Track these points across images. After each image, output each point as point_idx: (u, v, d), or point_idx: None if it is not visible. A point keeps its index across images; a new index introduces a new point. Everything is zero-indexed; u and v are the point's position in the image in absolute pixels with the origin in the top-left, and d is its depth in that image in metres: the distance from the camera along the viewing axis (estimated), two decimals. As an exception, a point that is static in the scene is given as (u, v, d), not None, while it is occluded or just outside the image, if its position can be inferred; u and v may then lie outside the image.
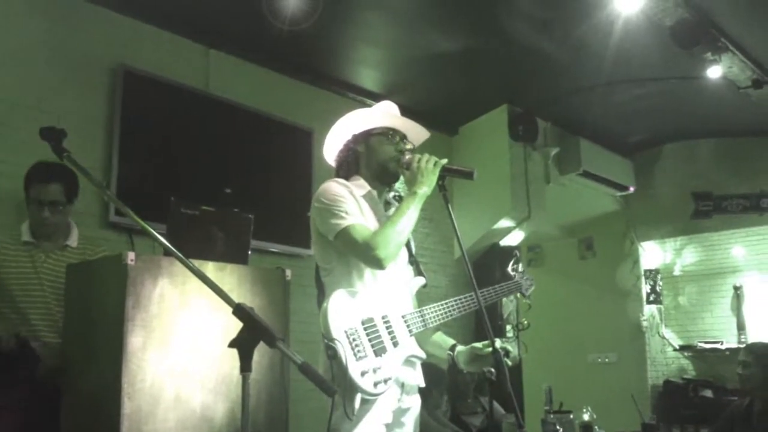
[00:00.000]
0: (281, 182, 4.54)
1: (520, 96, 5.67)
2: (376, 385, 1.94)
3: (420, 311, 2.17)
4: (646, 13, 4.14)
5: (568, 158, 6.18)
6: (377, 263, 2.04)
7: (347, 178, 2.25)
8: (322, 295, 2.18)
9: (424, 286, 2.32)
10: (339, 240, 2.07)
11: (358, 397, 1.91)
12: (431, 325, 2.19)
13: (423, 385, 2.21)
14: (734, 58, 4.66)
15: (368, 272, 2.12)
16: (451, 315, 2.23)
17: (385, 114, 2.33)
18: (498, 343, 2.14)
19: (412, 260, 2.33)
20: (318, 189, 2.18)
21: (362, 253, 2.04)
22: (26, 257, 2.89)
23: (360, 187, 2.22)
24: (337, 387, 1.88)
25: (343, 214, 2.07)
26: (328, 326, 1.92)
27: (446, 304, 2.23)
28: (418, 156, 2.19)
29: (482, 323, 2.15)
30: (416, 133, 2.36)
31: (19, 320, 2.84)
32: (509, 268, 2.63)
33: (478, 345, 2.29)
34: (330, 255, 2.16)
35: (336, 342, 1.88)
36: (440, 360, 2.42)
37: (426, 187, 2.14)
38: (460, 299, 2.25)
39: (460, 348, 2.34)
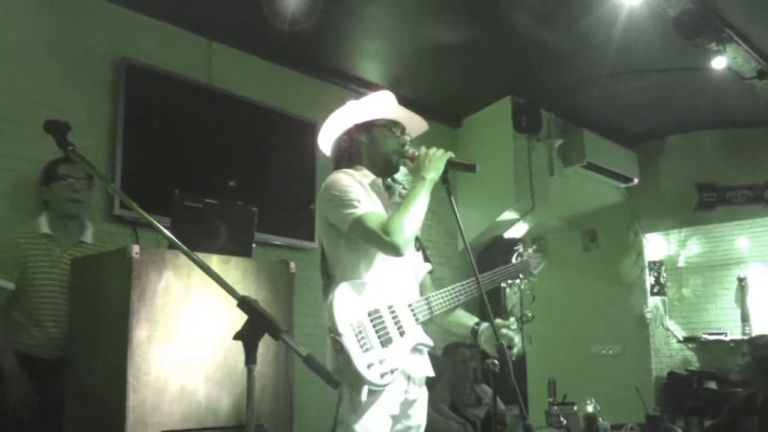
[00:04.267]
0: (284, 175, 4.54)
1: (523, 87, 5.64)
2: (382, 376, 1.95)
3: (426, 299, 2.17)
4: (650, 4, 4.12)
5: (572, 150, 6.15)
6: (394, 250, 2.03)
7: (349, 168, 2.24)
8: (329, 287, 2.16)
9: (431, 272, 2.32)
10: (353, 229, 2.06)
11: (365, 389, 1.92)
12: (437, 313, 2.18)
13: (432, 374, 2.20)
14: (739, 48, 4.63)
15: (378, 262, 2.11)
16: (458, 300, 2.22)
17: (388, 105, 2.32)
18: (510, 322, 2.15)
19: (418, 246, 2.33)
20: (325, 182, 2.17)
21: (378, 241, 2.03)
22: (44, 251, 2.90)
23: (365, 176, 2.22)
24: (344, 380, 1.89)
25: (355, 203, 2.06)
26: (334, 320, 1.93)
27: (452, 289, 2.22)
28: (424, 148, 2.19)
29: (485, 314, 2.14)
30: (416, 124, 2.34)
31: (36, 312, 2.85)
32: (513, 260, 2.59)
33: (500, 321, 2.24)
34: (339, 246, 2.14)
35: (342, 336, 1.89)
36: (463, 336, 2.37)
37: (434, 173, 2.14)
38: (465, 284, 2.24)
39: (484, 325, 2.29)
